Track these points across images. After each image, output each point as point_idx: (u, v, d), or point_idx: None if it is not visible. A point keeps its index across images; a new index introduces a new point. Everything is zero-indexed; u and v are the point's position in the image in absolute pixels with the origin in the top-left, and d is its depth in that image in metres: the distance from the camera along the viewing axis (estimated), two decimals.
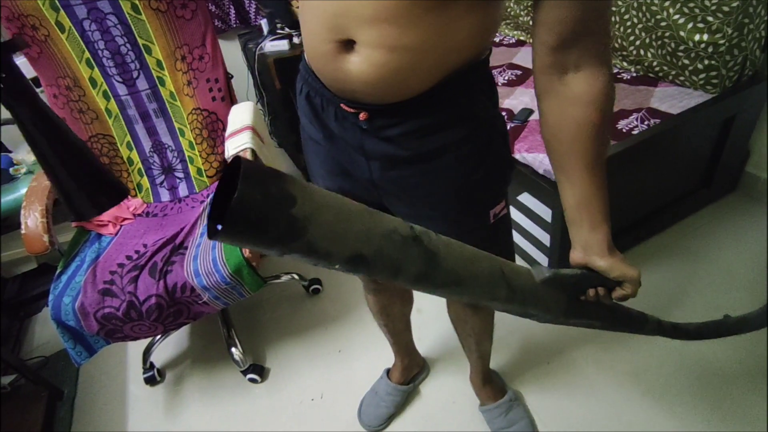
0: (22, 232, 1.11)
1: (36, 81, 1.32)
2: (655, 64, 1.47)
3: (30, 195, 1.17)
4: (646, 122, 1.30)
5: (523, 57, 1.86)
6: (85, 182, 0.37)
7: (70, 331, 1.13)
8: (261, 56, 1.95)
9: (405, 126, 0.58)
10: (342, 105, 0.58)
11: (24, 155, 1.73)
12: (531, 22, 0.51)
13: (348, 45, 0.51)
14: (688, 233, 1.55)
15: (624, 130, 1.29)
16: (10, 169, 1.64)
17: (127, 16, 1.26)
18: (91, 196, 0.38)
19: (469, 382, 1.21)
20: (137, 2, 1.24)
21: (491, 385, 1.17)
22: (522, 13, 1.95)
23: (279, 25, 2.04)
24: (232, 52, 2.28)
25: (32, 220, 1.11)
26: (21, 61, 1.33)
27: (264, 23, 2.10)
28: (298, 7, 1.73)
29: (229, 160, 1.21)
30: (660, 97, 1.39)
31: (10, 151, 1.81)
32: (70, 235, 1.33)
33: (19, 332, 1.67)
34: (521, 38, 2.03)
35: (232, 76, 1.45)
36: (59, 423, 1.35)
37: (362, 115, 0.58)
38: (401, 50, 0.49)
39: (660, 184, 1.47)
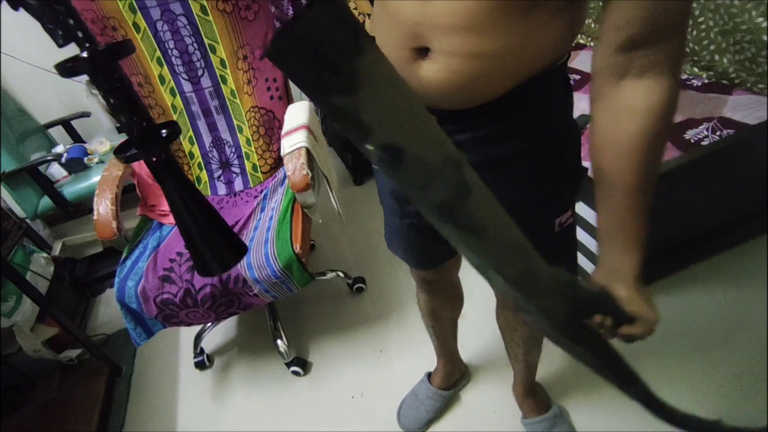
0: (94, 218, 1.19)
1: None
2: (731, 70, 1.37)
3: (102, 183, 1.25)
4: (718, 132, 1.22)
5: (582, 61, 1.79)
6: (215, 244, 0.42)
7: (132, 313, 1.20)
8: None
9: (476, 132, 0.57)
10: None
11: (96, 146, 1.86)
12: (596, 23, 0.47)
13: (423, 52, 0.50)
14: (751, 258, 1.40)
15: (692, 141, 1.21)
16: (84, 159, 1.77)
17: (195, 17, 1.32)
18: (219, 256, 0.42)
19: (512, 393, 1.18)
20: (206, 4, 1.30)
21: (535, 398, 1.14)
22: None
23: None
24: None
25: (104, 207, 1.19)
26: None
27: None
28: (355, 8, 1.75)
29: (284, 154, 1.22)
30: (733, 106, 1.30)
31: (84, 142, 1.95)
32: (134, 222, 1.41)
33: (85, 310, 1.80)
34: (580, 41, 1.95)
35: None
36: (117, 398, 1.44)
37: None
38: (481, 58, 0.47)
39: (725, 201, 1.36)
